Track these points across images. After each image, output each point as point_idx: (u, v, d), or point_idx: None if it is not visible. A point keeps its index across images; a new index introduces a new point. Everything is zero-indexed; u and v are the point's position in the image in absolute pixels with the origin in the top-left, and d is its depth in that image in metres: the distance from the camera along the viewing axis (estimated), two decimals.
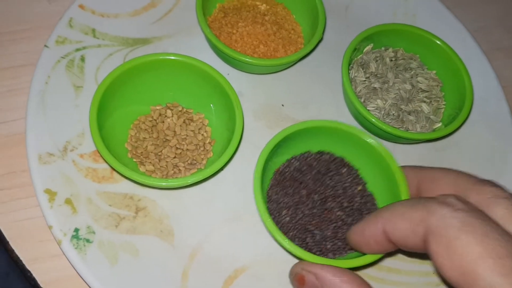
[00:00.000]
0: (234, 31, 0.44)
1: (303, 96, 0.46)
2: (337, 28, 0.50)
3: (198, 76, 0.40)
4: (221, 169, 0.37)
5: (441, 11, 0.51)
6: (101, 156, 0.35)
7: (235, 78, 0.46)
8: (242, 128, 0.38)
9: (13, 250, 0.36)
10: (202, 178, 0.36)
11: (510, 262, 0.22)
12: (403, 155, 0.44)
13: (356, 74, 0.44)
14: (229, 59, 0.43)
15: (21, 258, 0.36)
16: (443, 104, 0.44)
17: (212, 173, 0.36)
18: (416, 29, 0.45)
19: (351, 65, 0.45)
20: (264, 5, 0.48)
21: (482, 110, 0.47)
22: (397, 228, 0.27)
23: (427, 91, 0.44)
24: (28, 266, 0.36)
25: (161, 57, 0.39)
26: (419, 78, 0.45)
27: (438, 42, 0.45)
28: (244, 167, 0.41)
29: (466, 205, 0.25)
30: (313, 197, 0.37)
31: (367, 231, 0.29)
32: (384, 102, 0.43)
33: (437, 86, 0.45)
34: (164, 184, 0.35)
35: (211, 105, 0.41)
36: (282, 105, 0.45)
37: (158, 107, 0.41)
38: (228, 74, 0.46)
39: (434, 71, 0.46)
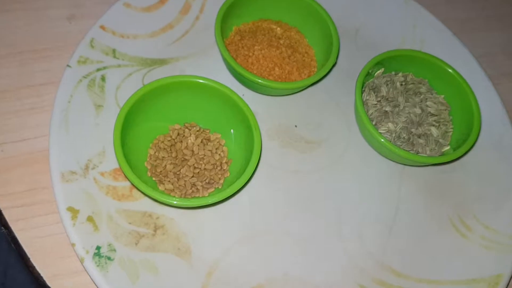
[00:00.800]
0: (251, 54, 0.46)
1: (316, 118, 0.47)
2: (347, 51, 0.51)
3: (217, 97, 0.41)
4: (240, 189, 0.38)
5: (448, 37, 0.53)
6: (124, 175, 0.36)
7: (249, 99, 0.47)
8: (260, 149, 0.39)
9: (34, 267, 0.37)
10: (222, 199, 0.37)
11: None
12: (411, 176, 0.46)
13: (368, 98, 0.46)
14: (246, 81, 0.44)
15: (42, 275, 0.37)
16: (451, 128, 0.46)
17: (231, 193, 0.37)
18: (425, 54, 0.47)
19: (363, 89, 0.46)
20: (279, 28, 0.49)
21: (488, 134, 0.48)
22: None
23: (436, 115, 0.46)
24: (49, 283, 0.36)
25: (182, 79, 0.41)
26: (428, 103, 0.46)
27: (447, 67, 0.46)
28: (258, 186, 0.42)
29: None
30: None
31: None
32: (395, 125, 0.44)
33: (446, 110, 0.46)
34: (185, 203, 0.36)
35: (230, 128, 0.42)
36: (296, 126, 0.47)
37: (176, 127, 0.42)
38: (243, 95, 0.47)
39: (443, 96, 0.47)
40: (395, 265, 0.41)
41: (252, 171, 0.38)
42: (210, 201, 0.36)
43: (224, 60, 0.44)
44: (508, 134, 0.48)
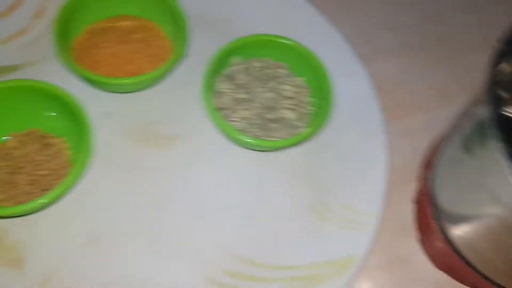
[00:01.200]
0: (98, 52, 0.45)
1: (175, 112, 0.46)
2: (209, 41, 0.50)
3: (53, 100, 0.40)
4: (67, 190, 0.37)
5: (315, 18, 0.52)
6: None
7: (105, 99, 0.46)
8: (89, 151, 0.38)
9: None
10: (45, 202, 0.36)
11: None
12: (272, 163, 0.45)
13: (223, 86, 0.45)
14: (90, 82, 0.43)
15: None
16: (310, 110, 0.45)
17: (57, 195, 0.36)
18: (281, 38, 0.46)
19: (219, 78, 0.45)
20: (134, 23, 0.48)
21: (354, 113, 0.47)
22: None
23: (292, 98, 0.45)
24: None
25: (13, 84, 0.40)
26: (285, 86, 0.45)
27: (303, 50, 0.45)
28: (109, 188, 0.41)
29: None
30: None
31: None
32: (248, 112, 0.43)
33: (304, 92, 0.46)
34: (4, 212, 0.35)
35: (69, 130, 0.41)
36: (154, 122, 0.46)
37: (16, 133, 0.41)
38: (98, 95, 0.46)
39: (303, 78, 0.46)
40: (251, 254, 0.41)
41: (79, 173, 0.37)
42: (26, 208, 0.35)
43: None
44: (373, 112, 0.47)
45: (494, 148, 0.25)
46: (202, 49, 0.46)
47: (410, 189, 0.45)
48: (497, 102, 0.26)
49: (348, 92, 0.48)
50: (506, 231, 0.28)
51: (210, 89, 0.43)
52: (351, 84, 0.48)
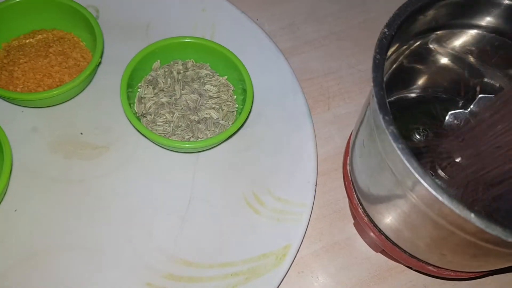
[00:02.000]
0: (16, 69, 0.44)
1: (103, 121, 0.46)
2: (139, 47, 0.50)
3: None
4: None
5: (238, 17, 0.52)
6: None
7: (29, 115, 0.45)
8: (9, 167, 0.37)
9: None
10: None
11: None
12: (206, 162, 0.45)
13: (145, 92, 0.45)
14: (9, 100, 0.43)
15: None
16: (235, 107, 0.46)
17: None
18: (197, 39, 0.46)
19: (141, 84, 0.45)
20: (51, 36, 0.47)
21: (280, 107, 0.48)
22: None
23: (216, 98, 0.45)
24: None
25: None
26: (207, 86, 0.45)
27: (221, 49, 0.46)
28: (39, 202, 0.41)
29: None
30: None
31: None
32: (172, 115, 0.43)
33: (227, 90, 0.46)
34: None
35: None
36: (81, 133, 0.45)
37: None
38: (22, 111, 0.45)
39: (225, 77, 0.47)
40: (187, 256, 0.41)
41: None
42: None
43: None
44: (299, 104, 0.48)
45: (385, 131, 0.26)
46: (122, 56, 0.46)
47: (342, 176, 0.46)
48: (381, 87, 0.27)
49: (273, 87, 0.49)
50: (412, 210, 0.29)
51: (133, 95, 0.43)
52: (275, 79, 0.49)
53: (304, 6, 0.58)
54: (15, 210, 0.41)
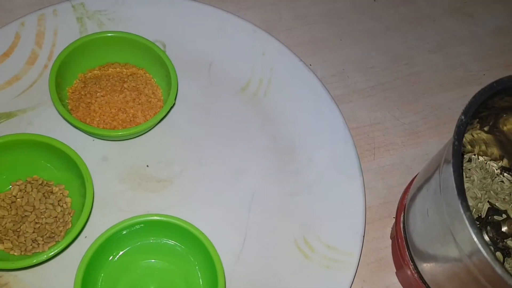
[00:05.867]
0: (93, 101, 0.47)
1: (167, 155, 0.49)
2: (201, 85, 0.53)
3: (50, 151, 0.42)
4: (76, 238, 0.39)
5: (296, 64, 0.55)
6: None
7: (100, 144, 0.48)
8: (91, 199, 0.40)
9: None
10: (53, 253, 0.38)
11: None
12: (260, 201, 0.48)
13: None
14: (86, 133, 0.46)
15: None
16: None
17: (66, 245, 0.39)
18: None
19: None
20: (125, 71, 0.50)
21: (332, 154, 0.51)
22: None
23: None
24: None
25: (23, 137, 0.42)
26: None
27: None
28: (106, 228, 0.44)
29: None
30: None
31: None
32: None
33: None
34: (10, 266, 0.37)
35: (73, 178, 0.44)
36: (147, 166, 0.48)
37: (18, 183, 0.43)
38: (93, 140, 0.48)
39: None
40: None
41: (86, 219, 0.40)
42: (35, 260, 0.38)
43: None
44: (349, 153, 0.51)
45: (455, 203, 0.30)
46: (185, 91, 0.49)
47: (385, 226, 0.50)
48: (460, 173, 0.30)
49: (324, 134, 0.52)
50: (464, 272, 0.32)
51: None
52: (327, 126, 0.52)
53: (353, 54, 0.61)
54: (85, 237, 0.44)
